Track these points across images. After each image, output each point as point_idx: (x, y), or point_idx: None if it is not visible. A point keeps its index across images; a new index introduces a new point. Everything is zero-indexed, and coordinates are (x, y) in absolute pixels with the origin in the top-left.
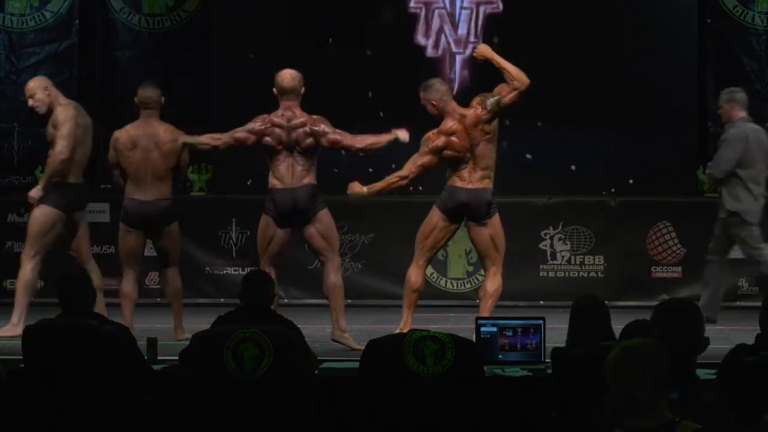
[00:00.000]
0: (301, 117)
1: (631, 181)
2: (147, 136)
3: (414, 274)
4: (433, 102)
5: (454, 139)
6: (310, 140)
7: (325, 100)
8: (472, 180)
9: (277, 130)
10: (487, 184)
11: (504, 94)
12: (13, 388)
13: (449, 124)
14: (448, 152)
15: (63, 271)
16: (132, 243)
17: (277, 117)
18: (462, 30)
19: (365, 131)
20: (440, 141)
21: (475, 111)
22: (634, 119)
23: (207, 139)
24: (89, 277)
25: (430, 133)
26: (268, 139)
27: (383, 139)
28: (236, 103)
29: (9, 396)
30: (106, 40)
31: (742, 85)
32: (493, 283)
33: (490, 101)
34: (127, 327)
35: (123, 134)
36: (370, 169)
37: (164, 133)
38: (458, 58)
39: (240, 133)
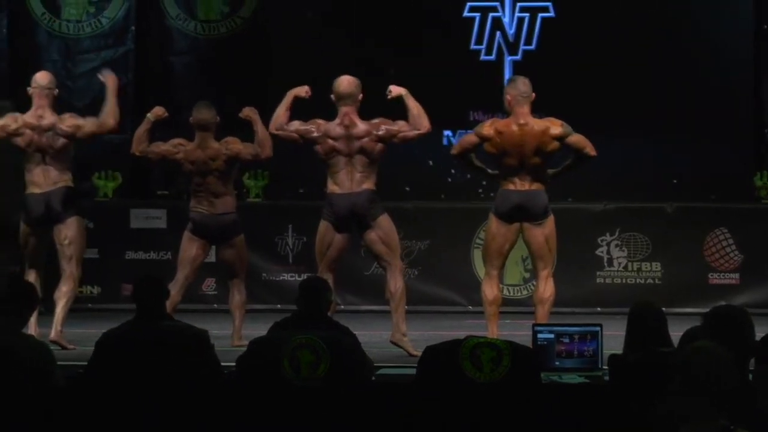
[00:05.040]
0: (362, 125)
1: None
2: (202, 161)
3: (488, 287)
4: (509, 96)
5: (499, 138)
6: (380, 146)
7: (380, 107)
8: (524, 184)
9: (330, 141)
10: (540, 186)
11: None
12: (71, 394)
13: (506, 122)
14: (488, 146)
15: (140, 274)
16: (193, 251)
17: (333, 127)
18: (516, 35)
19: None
20: (487, 130)
21: (549, 124)
22: (691, 125)
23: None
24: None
25: (486, 121)
26: (318, 147)
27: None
28: (293, 109)
29: (67, 402)
30: (161, 46)
31: None
32: (547, 288)
33: (569, 130)
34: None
35: (182, 155)
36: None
37: (216, 154)
38: (511, 63)
39: (292, 130)
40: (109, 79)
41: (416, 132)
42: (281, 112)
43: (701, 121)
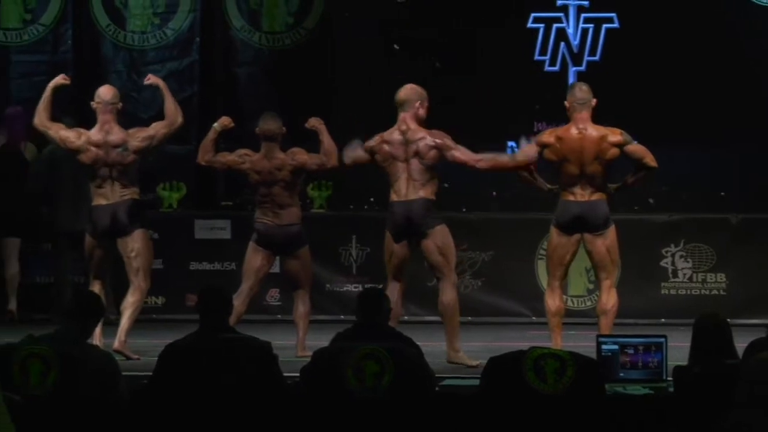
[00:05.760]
0: (418, 131)
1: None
2: (268, 171)
3: (550, 299)
4: (567, 103)
5: (559, 144)
6: (433, 152)
7: (446, 117)
8: (584, 194)
9: (386, 147)
10: (601, 196)
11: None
12: (135, 404)
13: (566, 128)
14: (548, 153)
15: (204, 285)
16: (258, 262)
17: (391, 132)
18: (580, 46)
19: (485, 145)
20: (547, 138)
21: (608, 132)
22: (756, 135)
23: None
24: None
25: (545, 130)
26: (378, 156)
27: (507, 161)
28: (358, 121)
29: (131, 412)
30: (226, 57)
31: None
32: (610, 298)
33: (629, 138)
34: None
35: (248, 165)
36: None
37: (282, 164)
38: (575, 74)
39: (365, 159)
40: (156, 81)
41: (473, 159)
42: (355, 156)
43: (766, 131)
